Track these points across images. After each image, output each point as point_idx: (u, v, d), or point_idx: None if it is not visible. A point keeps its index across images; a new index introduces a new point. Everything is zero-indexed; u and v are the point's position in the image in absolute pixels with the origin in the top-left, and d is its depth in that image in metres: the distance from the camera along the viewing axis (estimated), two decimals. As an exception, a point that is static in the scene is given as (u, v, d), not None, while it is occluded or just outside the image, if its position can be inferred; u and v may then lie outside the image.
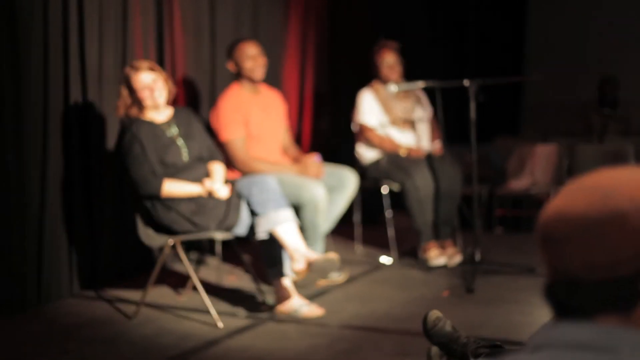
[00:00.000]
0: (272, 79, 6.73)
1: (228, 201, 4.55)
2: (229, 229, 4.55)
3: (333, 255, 4.45)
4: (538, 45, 10.44)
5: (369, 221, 6.81)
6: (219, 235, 4.55)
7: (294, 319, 4.48)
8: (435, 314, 3.50)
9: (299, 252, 4.41)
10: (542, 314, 4.33)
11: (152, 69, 4.62)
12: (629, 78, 8.97)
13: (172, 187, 4.48)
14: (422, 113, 6.23)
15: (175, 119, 4.72)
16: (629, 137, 8.31)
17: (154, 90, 4.59)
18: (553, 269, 1.21)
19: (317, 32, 7.55)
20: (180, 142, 4.64)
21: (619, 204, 1.15)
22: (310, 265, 4.37)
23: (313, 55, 7.51)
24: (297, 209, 5.00)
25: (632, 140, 7.87)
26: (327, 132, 7.69)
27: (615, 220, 1.14)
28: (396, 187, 5.89)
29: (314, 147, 7.26)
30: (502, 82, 6.37)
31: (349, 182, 5.43)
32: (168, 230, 4.54)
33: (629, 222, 1.14)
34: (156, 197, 4.48)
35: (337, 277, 5.32)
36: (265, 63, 5.40)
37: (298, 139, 7.17)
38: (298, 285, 4.49)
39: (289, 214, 4.52)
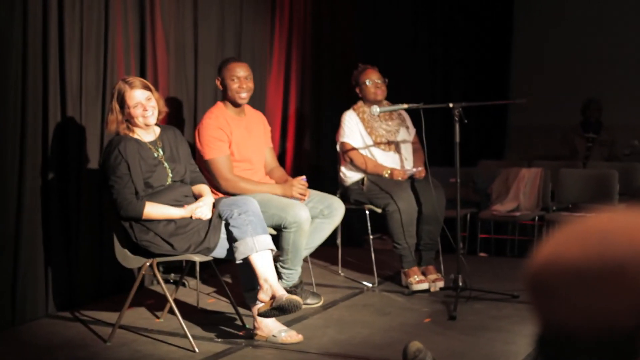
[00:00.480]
0: (256, 98, 6.67)
1: (208, 223, 4.47)
2: (207, 251, 4.45)
3: (297, 299, 4.34)
4: (523, 69, 10.44)
5: (351, 243, 6.74)
6: (197, 258, 4.45)
7: (272, 345, 4.39)
8: (415, 345, 3.43)
9: (267, 283, 4.33)
10: (525, 342, 4.27)
11: (146, 87, 4.52)
12: (613, 102, 8.97)
13: (154, 210, 4.38)
14: (406, 135, 6.17)
15: (162, 139, 4.62)
16: (613, 160, 8.29)
17: (146, 109, 4.48)
18: (544, 321, 1.12)
19: (301, 53, 7.51)
20: (166, 164, 4.55)
21: (617, 252, 1.04)
22: (273, 300, 4.28)
23: (297, 75, 7.47)
24: (280, 229, 4.92)
25: (616, 164, 7.84)
26: (310, 153, 7.64)
27: (613, 270, 1.04)
28: (379, 210, 5.82)
29: (296, 168, 7.21)
30: (486, 104, 6.33)
31: (337, 210, 5.32)
32: (145, 252, 4.45)
33: (627, 272, 1.03)
34: (136, 220, 4.38)
35: (314, 302, 5.24)
36: (252, 88, 5.30)
37: (281, 159, 7.11)
38: (260, 314, 4.39)
39: (266, 241, 4.42)
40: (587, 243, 1.07)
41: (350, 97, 6.20)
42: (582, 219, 1.12)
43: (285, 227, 4.88)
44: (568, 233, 1.11)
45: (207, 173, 5.06)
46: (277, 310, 4.29)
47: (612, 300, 1.04)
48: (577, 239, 1.09)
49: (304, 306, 5.06)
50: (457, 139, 5.37)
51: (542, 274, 1.10)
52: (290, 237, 4.87)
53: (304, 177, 5.26)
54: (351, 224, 6.58)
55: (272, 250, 4.44)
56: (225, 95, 5.28)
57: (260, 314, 4.37)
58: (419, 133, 5.93)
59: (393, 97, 6.16)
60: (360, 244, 7.07)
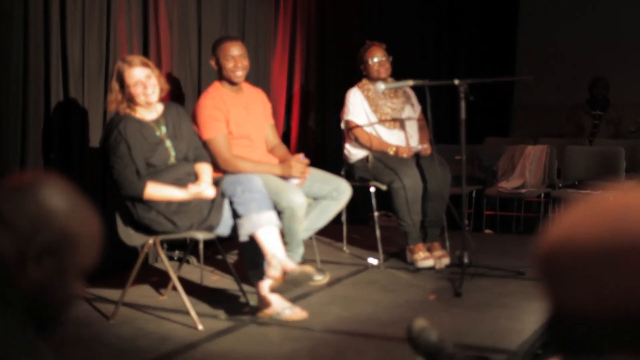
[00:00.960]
0: (260, 76, 6.64)
1: (211, 201, 4.44)
2: (210, 228, 4.43)
3: (308, 269, 4.33)
4: (529, 46, 10.37)
5: (356, 221, 6.71)
6: (200, 235, 4.43)
7: (277, 322, 4.37)
8: (420, 323, 3.38)
9: (276, 258, 4.30)
10: (530, 319, 4.24)
11: (145, 64, 4.49)
12: (621, 80, 8.91)
13: (155, 192, 4.36)
14: (411, 112, 6.13)
15: (165, 116, 4.59)
16: (620, 138, 8.25)
17: (147, 87, 4.45)
18: (556, 305, 1.06)
19: (306, 30, 7.46)
20: (168, 143, 4.52)
21: (634, 231, 0.99)
22: (285, 275, 4.26)
23: (302, 53, 7.42)
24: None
25: (622, 142, 7.80)
26: (315, 131, 7.60)
27: (631, 248, 0.98)
28: (384, 187, 5.79)
29: (301, 146, 7.17)
30: (492, 81, 6.30)
31: (345, 193, 5.27)
32: (148, 229, 4.42)
33: None
34: (137, 199, 4.36)
35: (319, 279, 5.21)
36: (247, 66, 5.23)
37: (286, 138, 7.08)
38: (274, 290, 4.37)
39: (271, 217, 4.39)
40: (603, 221, 1.02)
41: (356, 75, 6.16)
42: (596, 196, 1.07)
43: (279, 212, 4.79)
44: (582, 211, 1.05)
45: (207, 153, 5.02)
46: (292, 283, 4.28)
47: (630, 280, 0.98)
48: (591, 216, 1.03)
49: (311, 283, 5.04)
50: (463, 116, 5.34)
51: (555, 254, 1.05)
52: (285, 223, 4.77)
53: (302, 155, 5.20)
54: (356, 201, 6.54)
55: (277, 226, 4.43)
56: (221, 75, 5.21)
57: (273, 290, 4.35)
58: (424, 110, 5.89)
59: (399, 74, 6.11)
60: (365, 221, 7.03)
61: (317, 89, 7.65)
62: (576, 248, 1.02)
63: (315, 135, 7.59)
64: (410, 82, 5.66)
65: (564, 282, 1.04)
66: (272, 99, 6.36)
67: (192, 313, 4.28)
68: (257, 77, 6.60)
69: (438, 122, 5.84)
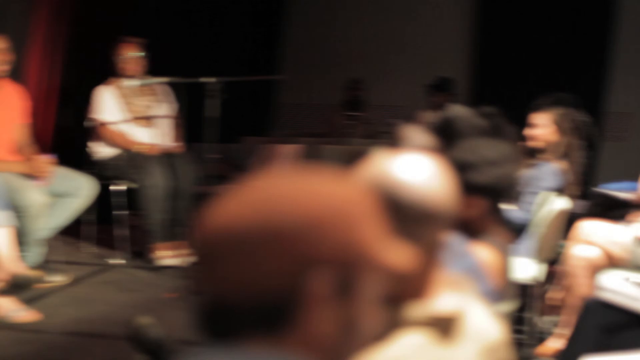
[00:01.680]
0: (16, 73, 6.41)
1: None
2: None
3: (35, 274, 4.28)
4: (296, 48, 10.56)
5: (103, 220, 6.60)
6: None
7: (6, 325, 4.23)
8: (142, 320, 3.37)
9: (1, 260, 4.18)
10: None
11: None
12: (376, 82, 9.24)
13: None
14: (165, 109, 6.11)
15: None
16: (373, 138, 8.54)
17: None
18: (209, 294, 1.07)
19: (65, 28, 7.26)
20: None
21: (278, 217, 1.04)
22: (12, 277, 4.16)
23: (61, 51, 7.22)
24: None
25: (375, 141, 8.07)
26: (70, 129, 7.42)
27: (271, 235, 1.03)
28: (131, 185, 5.74)
29: (56, 144, 6.98)
30: (250, 80, 6.36)
31: (83, 190, 5.17)
32: None
33: (283, 240, 1.03)
34: None
35: (59, 279, 5.09)
36: (9, 59, 5.05)
37: (40, 135, 6.86)
38: (2, 293, 4.24)
39: (1, 217, 4.27)
40: (252, 209, 1.06)
41: (114, 73, 6.08)
42: (251, 183, 1.10)
43: (17, 211, 4.63)
44: (237, 197, 1.09)
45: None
46: (16, 287, 4.17)
47: (267, 265, 1.03)
48: (243, 204, 1.07)
49: (47, 284, 4.93)
50: (213, 114, 5.36)
51: (207, 240, 1.07)
52: (22, 222, 4.62)
53: (50, 155, 5.07)
54: (104, 199, 6.44)
55: (9, 226, 4.30)
56: None
57: (1, 292, 4.23)
58: (180, 108, 5.89)
59: (158, 71, 6.06)
60: (112, 220, 6.93)
61: (75, 87, 7.48)
62: (226, 236, 1.05)
63: (71, 133, 7.41)
64: (161, 79, 5.66)
65: (212, 269, 1.06)
66: (27, 96, 6.11)
67: None
68: (14, 73, 6.37)
69: (195, 120, 5.83)
